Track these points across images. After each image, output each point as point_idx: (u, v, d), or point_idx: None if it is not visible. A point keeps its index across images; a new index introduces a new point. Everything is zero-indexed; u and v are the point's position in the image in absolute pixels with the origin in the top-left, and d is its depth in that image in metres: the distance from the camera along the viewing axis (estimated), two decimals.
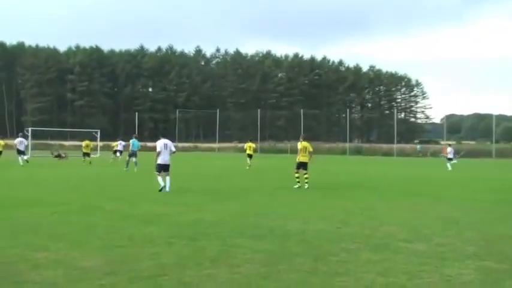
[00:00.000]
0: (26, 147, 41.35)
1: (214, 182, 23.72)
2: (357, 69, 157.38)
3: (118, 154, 43.70)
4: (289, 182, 22.60)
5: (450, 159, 39.60)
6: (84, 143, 41.54)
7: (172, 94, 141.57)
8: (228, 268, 7.83)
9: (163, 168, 19.64)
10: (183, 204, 15.45)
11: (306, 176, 21.73)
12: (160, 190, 18.87)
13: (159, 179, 19.43)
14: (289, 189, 20.89)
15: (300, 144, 22.40)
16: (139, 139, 34.11)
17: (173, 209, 14.41)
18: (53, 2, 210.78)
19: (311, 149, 22.59)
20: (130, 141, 33.92)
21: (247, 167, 36.00)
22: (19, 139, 39.28)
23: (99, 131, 64.26)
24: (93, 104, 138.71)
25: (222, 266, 7.97)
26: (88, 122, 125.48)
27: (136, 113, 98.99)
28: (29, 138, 58.83)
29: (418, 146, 76.41)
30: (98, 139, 64.02)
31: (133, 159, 32.58)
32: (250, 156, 37.60)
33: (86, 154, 40.91)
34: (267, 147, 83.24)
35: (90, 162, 39.24)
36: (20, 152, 38.11)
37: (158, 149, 20.00)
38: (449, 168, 37.82)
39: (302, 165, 21.92)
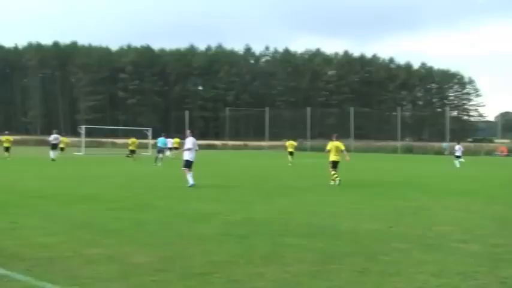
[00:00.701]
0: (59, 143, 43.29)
1: (264, 180, 23.73)
2: (408, 67, 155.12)
3: (167, 152, 43.87)
4: (342, 180, 22.45)
5: (458, 156, 38.89)
6: (130, 141, 42.05)
7: (222, 92, 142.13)
8: (278, 267, 7.81)
9: (190, 165, 20.43)
10: (233, 202, 15.51)
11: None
12: (190, 186, 19.63)
13: (189, 176, 20.14)
14: (338, 187, 20.75)
15: (331, 144, 22.93)
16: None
17: (223, 206, 14.48)
18: (105, 2, 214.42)
19: (343, 147, 23.26)
20: (158, 138, 38.27)
21: (289, 164, 37.05)
22: (54, 135, 41.65)
23: (150, 129, 65.06)
24: (144, 103, 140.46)
25: (272, 264, 7.96)
26: (139, 120, 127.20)
27: (187, 112, 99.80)
28: (83, 136, 60.07)
29: (444, 144, 74.07)
30: (150, 137, 64.81)
31: (160, 155, 36.42)
32: (291, 153, 39.06)
33: (133, 151, 41.33)
34: (316, 145, 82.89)
35: (134, 160, 39.84)
36: (54, 147, 40.49)
37: (189, 146, 20.70)
38: (457, 166, 37.36)
39: (335, 164, 22.52)
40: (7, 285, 6.70)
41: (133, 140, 41.84)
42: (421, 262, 8.23)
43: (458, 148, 39.69)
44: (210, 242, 9.57)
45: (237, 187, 20.53)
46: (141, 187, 20.07)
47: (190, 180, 19.88)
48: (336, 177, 22.01)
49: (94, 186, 20.09)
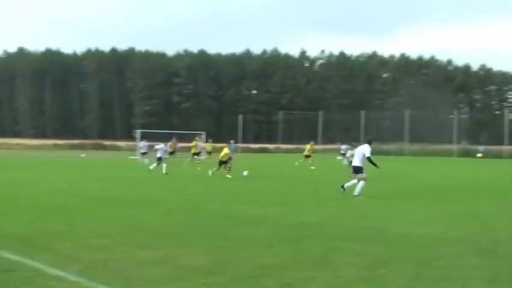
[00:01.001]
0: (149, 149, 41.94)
1: (315, 184, 23.62)
2: (466, 68, 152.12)
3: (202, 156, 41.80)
4: (391, 184, 22.18)
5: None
6: (193, 143, 41.39)
7: (276, 96, 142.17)
8: (329, 271, 7.76)
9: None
10: (284, 206, 15.51)
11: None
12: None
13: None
14: (391, 191, 20.49)
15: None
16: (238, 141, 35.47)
17: (275, 210, 14.49)
18: (162, 8, 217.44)
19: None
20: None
21: (312, 167, 37.18)
22: (143, 143, 42.98)
23: (204, 133, 65.62)
24: (198, 107, 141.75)
25: (323, 268, 7.91)
26: (194, 124, 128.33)
27: (241, 115, 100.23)
28: (138, 140, 61.00)
29: (481, 147, 71.59)
30: (203, 141, 65.35)
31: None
32: (307, 156, 39.80)
33: (196, 154, 40.03)
34: (372, 148, 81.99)
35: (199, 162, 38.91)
36: (144, 154, 41.15)
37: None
38: None
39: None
40: (62, 286, 6.85)
41: (196, 142, 41.15)
42: (476, 268, 8.05)
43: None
44: (261, 245, 9.58)
45: (288, 192, 20.50)
46: (193, 190, 20.26)
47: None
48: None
49: (146, 189, 20.40)
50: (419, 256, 8.81)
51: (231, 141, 34.88)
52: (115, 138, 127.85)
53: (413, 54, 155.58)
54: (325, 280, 7.30)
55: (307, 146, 40.52)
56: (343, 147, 44.08)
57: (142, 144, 41.92)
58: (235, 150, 38.98)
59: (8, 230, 10.86)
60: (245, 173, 26.25)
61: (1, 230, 10.90)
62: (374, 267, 7.99)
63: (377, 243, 9.92)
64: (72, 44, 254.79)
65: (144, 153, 41.34)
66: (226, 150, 27.62)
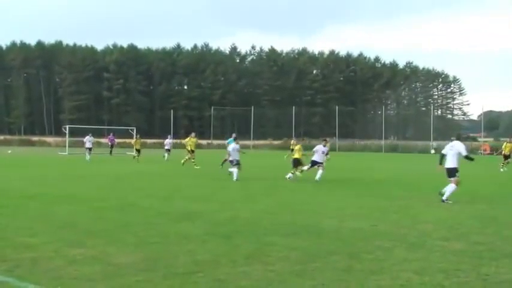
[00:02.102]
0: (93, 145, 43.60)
1: (248, 180, 23.71)
2: (393, 66, 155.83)
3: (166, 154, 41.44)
4: (323, 179, 22.51)
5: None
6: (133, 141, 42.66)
7: (207, 91, 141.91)
8: (262, 266, 7.83)
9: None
10: (217, 202, 15.52)
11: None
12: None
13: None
14: (323, 187, 20.80)
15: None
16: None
17: (208, 206, 14.48)
18: (90, 1, 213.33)
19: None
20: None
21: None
22: (89, 138, 42.04)
23: (135, 128, 64.85)
24: (129, 102, 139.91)
25: (256, 263, 7.98)
26: (124, 120, 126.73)
27: (172, 111, 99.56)
28: (67, 136, 59.78)
29: (434, 143, 73.67)
30: (134, 136, 64.61)
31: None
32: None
33: (138, 151, 40.33)
34: (302, 144, 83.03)
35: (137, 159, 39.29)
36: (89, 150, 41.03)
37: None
38: None
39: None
40: None
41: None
42: (404, 260, 8.29)
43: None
44: (194, 241, 9.57)
45: (221, 187, 20.52)
46: (125, 187, 20.02)
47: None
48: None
49: (76, 186, 20.01)
50: (350, 249, 9.00)
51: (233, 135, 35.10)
52: (43, 134, 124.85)
53: (342, 51, 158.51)
54: (257, 275, 7.36)
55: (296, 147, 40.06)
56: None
57: (88, 139, 41.87)
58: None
59: None
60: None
61: None
62: (306, 261, 8.11)
63: (309, 237, 10.07)
64: None
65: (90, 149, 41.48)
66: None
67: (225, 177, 24.19)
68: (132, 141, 43.35)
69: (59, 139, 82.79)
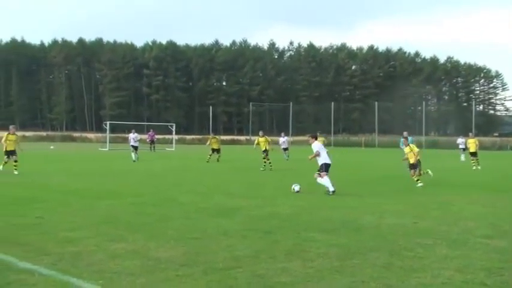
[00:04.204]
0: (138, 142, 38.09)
1: (288, 176, 23.70)
2: (434, 61, 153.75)
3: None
4: (361, 175, 22.37)
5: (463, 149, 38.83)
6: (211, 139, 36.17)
7: (246, 88, 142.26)
8: (301, 262, 7.81)
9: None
10: (257, 198, 15.54)
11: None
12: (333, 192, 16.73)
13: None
14: (362, 182, 20.65)
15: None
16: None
17: (247, 202, 14.51)
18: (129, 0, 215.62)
19: None
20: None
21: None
22: (131, 134, 37.65)
23: (174, 124, 65.42)
24: (168, 98, 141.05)
25: (295, 259, 7.96)
26: (164, 116, 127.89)
27: (211, 107, 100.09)
28: (107, 132, 60.58)
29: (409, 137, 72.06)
30: (174, 133, 65.13)
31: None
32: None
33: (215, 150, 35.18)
34: (340, 140, 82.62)
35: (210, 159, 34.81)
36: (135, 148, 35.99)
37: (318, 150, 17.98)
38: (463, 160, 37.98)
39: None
40: (32, 280, 6.78)
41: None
42: (446, 257, 8.17)
43: (460, 141, 39.55)
44: (234, 236, 9.59)
45: (260, 183, 20.52)
46: (165, 182, 20.18)
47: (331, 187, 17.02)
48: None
49: (118, 182, 20.26)
50: (390, 246, 8.91)
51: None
52: (84, 129, 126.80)
53: (381, 46, 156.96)
54: (297, 271, 7.33)
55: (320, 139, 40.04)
56: (460, 140, 41.03)
57: (133, 137, 36.99)
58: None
59: None
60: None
61: None
62: (345, 258, 8.06)
63: (348, 234, 10.00)
64: (38, 35, 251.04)
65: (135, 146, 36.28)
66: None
67: (264, 173, 24.18)
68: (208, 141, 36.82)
69: (99, 135, 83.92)
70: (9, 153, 23.88)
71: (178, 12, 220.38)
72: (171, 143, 62.88)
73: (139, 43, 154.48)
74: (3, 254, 8.05)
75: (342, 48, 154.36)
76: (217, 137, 36.80)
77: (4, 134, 24.95)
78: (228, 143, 76.54)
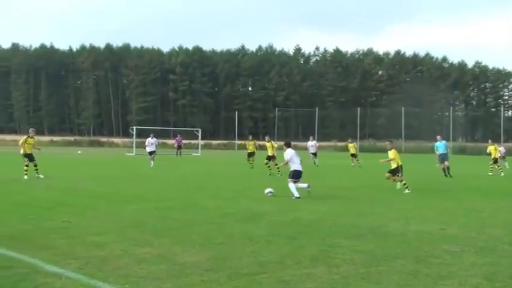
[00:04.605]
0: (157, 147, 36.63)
1: (313, 181, 23.62)
2: (462, 66, 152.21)
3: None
4: (387, 181, 22.18)
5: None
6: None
7: (271, 93, 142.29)
8: (327, 268, 7.78)
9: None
10: (281, 203, 15.52)
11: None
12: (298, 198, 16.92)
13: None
14: (388, 188, 20.50)
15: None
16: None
17: (272, 207, 14.50)
18: (156, 5, 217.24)
19: None
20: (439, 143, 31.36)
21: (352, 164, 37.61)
22: (150, 139, 35.37)
23: (200, 130, 65.67)
24: (194, 103, 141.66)
25: (321, 265, 7.93)
26: (190, 121, 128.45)
27: (236, 112, 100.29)
28: (134, 137, 61.00)
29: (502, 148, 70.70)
30: (199, 138, 65.36)
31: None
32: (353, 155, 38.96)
33: (251, 154, 33.56)
34: (366, 146, 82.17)
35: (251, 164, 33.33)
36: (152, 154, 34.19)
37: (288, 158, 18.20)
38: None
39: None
40: (59, 283, 6.85)
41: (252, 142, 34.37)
42: (473, 265, 8.08)
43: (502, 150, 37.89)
44: (258, 242, 9.59)
45: (285, 188, 20.49)
46: (191, 187, 20.25)
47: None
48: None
49: (143, 187, 20.38)
50: (417, 253, 8.84)
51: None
52: (111, 134, 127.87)
53: (409, 51, 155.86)
54: (322, 277, 7.31)
55: (350, 146, 39.76)
56: (502, 149, 36.78)
57: (151, 142, 35.08)
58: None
59: (3, 227, 10.85)
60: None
61: None
62: (371, 265, 8.01)
63: (374, 240, 9.94)
64: (66, 40, 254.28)
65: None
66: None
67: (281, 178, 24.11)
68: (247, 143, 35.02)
69: (126, 140, 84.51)
70: (29, 157, 23.82)
71: (205, 17, 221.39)
72: (197, 148, 63.10)
73: (165, 48, 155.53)
74: (31, 257, 8.15)
75: (368, 53, 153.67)
76: (255, 140, 34.66)
77: (23, 137, 24.88)
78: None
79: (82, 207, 14.08)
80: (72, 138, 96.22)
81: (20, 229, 10.58)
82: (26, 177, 22.93)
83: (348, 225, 11.69)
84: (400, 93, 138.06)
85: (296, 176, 17.65)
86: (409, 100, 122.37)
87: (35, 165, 23.71)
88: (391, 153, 20.41)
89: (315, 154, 38.54)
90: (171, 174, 27.04)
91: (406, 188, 19.43)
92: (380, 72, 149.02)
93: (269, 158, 28.90)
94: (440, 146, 28.39)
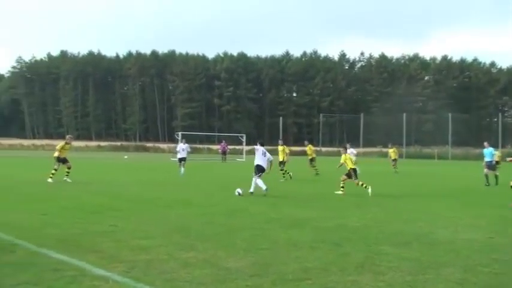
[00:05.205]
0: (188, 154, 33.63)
1: (357, 187, 23.45)
2: (511, 71, 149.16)
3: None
4: (436, 189, 21.89)
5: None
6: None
7: (316, 98, 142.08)
8: (372, 275, 7.69)
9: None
10: (326, 209, 15.43)
11: None
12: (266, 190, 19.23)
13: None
14: (436, 195, 20.20)
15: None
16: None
17: (316, 213, 14.43)
18: (201, 12, 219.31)
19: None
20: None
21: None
22: (181, 145, 32.95)
23: (244, 135, 65.84)
24: (239, 109, 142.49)
25: (366, 272, 7.84)
26: (234, 127, 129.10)
27: (281, 118, 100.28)
28: (179, 142, 61.56)
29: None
30: (244, 143, 65.56)
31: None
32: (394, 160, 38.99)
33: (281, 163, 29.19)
34: (412, 152, 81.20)
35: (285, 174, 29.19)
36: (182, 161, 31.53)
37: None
38: None
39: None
40: (106, 286, 6.94)
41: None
42: None
43: None
44: (303, 248, 9.53)
45: (329, 194, 20.38)
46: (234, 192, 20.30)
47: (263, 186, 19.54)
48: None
49: (189, 191, 20.51)
50: (465, 262, 8.66)
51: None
52: (157, 140, 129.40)
53: (456, 56, 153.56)
54: (367, 284, 7.22)
55: (390, 151, 39.82)
56: None
57: (182, 147, 32.47)
58: None
59: (53, 230, 11.05)
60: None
61: (46, 230, 11.09)
62: (418, 273, 7.88)
63: (421, 248, 9.78)
64: (113, 47, 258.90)
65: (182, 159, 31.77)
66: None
67: (330, 184, 23.99)
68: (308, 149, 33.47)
69: (171, 145, 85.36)
70: (62, 160, 24.20)
71: (249, 23, 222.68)
72: (242, 153, 63.31)
73: (210, 55, 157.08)
74: (79, 260, 8.27)
75: (414, 58, 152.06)
76: (285, 146, 30.07)
77: (62, 142, 25.27)
78: (298, 154, 76.41)
79: (128, 211, 14.26)
80: (118, 144, 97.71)
81: (68, 233, 10.76)
82: (50, 180, 23.30)
83: (394, 232, 11.54)
84: (447, 99, 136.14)
85: (259, 171, 19.84)
86: (456, 106, 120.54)
87: (68, 168, 24.19)
88: (342, 158, 21.16)
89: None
90: (215, 180, 27.16)
91: (365, 187, 20.18)
92: (426, 78, 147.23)
93: (280, 163, 28.28)
94: (488, 153, 27.73)
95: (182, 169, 30.48)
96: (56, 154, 24.32)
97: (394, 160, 38.35)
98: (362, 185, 20.23)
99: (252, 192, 19.31)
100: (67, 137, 25.92)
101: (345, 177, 20.77)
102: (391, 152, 39.06)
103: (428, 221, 13.30)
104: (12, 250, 8.95)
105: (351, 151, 37.71)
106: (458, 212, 15.34)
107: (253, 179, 19.78)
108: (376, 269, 8.04)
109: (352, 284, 7.21)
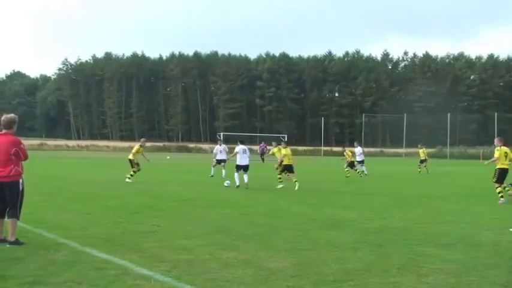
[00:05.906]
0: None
1: (400, 188, 23.26)
2: None
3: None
4: (481, 189, 21.49)
5: None
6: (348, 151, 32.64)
7: (358, 99, 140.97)
8: (415, 277, 7.59)
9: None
10: (367, 210, 15.32)
11: (502, 187, 18.46)
12: (237, 187, 21.83)
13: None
14: (481, 196, 19.84)
15: (498, 152, 18.51)
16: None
17: (357, 214, 14.34)
18: (243, 13, 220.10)
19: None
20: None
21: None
22: (218, 147, 31.39)
23: (286, 135, 65.85)
24: (280, 110, 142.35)
25: (408, 274, 7.75)
26: (276, 127, 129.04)
27: (323, 118, 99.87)
28: (221, 142, 61.91)
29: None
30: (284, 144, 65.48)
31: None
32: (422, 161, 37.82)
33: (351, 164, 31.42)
34: (457, 152, 79.92)
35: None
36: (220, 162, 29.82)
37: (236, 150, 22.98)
38: None
39: (502, 174, 18.30)
40: (148, 285, 7.02)
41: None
42: None
43: None
44: (344, 249, 9.48)
45: (370, 194, 20.22)
46: (275, 192, 20.29)
47: (237, 181, 22.11)
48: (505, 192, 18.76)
49: (229, 192, 20.62)
50: (510, 264, 8.51)
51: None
52: (199, 140, 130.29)
53: (502, 55, 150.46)
54: (410, 286, 7.14)
55: (420, 151, 38.59)
56: None
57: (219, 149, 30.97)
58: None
59: (97, 229, 11.22)
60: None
61: (91, 229, 11.28)
62: (462, 275, 7.75)
63: (464, 249, 9.62)
64: (157, 49, 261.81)
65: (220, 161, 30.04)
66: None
67: (370, 183, 23.83)
68: None
69: (214, 146, 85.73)
70: (136, 164, 25.17)
71: (291, 24, 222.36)
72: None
73: (252, 55, 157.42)
74: (122, 259, 8.38)
75: (459, 57, 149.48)
76: (287, 147, 25.24)
77: (136, 145, 26.82)
78: (340, 154, 76.08)
79: (170, 211, 14.39)
80: (161, 144, 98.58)
81: (112, 232, 10.91)
82: (128, 180, 24.25)
83: (437, 233, 11.38)
84: (492, 98, 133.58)
85: (239, 168, 22.39)
86: (503, 105, 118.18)
87: (137, 171, 25.08)
88: (284, 150, 23.64)
89: (361, 162, 33.53)
90: (252, 181, 27.15)
91: (281, 182, 23.22)
92: (472, 77, 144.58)
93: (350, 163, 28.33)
94: None
95: (223, 171, 28.54)
96: (131, 156, 25.44)
97: (424, 161, 37.15)
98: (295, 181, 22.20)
99: (238, 186, 21.89)
100: (141, 140, 27.46)
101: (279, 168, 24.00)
102: (421, 152, 38.15)
103: (472, 223, 13.09)
104: (57, 249, 9.12)
105: (358, 149, 36.68)
106: (503, 214, 15.05)
107: (235, 174, 22.33)
108: (418, 271, 7.93)
109: (394, 286, 7.13)
